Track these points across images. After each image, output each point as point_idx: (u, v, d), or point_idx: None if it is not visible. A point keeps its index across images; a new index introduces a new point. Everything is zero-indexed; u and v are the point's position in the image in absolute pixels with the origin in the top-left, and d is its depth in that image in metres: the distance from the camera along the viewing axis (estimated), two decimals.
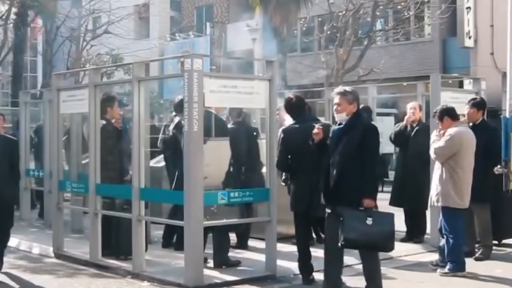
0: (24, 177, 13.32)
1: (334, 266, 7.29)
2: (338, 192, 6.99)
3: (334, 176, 7.00)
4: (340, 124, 7.16)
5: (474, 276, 8.54)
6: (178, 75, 10.07)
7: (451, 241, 8.44)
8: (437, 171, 8.57)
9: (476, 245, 9.49)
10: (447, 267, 8.51)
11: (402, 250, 9.67)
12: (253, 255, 9.35)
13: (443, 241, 8.64)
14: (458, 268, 8.47)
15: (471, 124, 9.27)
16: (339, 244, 6.88)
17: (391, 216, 7.03)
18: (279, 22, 26.57)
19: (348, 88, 7.40)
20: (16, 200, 8.77)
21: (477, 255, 9.36)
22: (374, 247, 7.11)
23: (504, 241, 10.45)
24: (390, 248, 7.16)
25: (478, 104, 9.40)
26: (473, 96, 10.78)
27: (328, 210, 7.19)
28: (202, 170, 7.59)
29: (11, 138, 8.70)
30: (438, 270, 8.60)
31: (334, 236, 7.01)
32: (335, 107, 7.20)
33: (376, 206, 6.98)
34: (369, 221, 6.79)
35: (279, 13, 26.38)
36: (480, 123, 9.36)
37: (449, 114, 8.54)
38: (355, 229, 6.77)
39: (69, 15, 28.36)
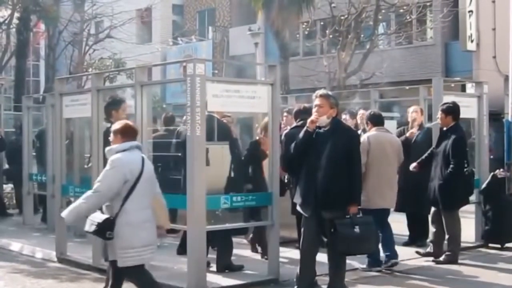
0: (27, 182, 13.37)
1: (309, 267, 7.42)
2: (325, 197, 7.03)
3: (322, 180, 7.04)
4: (319, 127, 7.19)
5: (477, 280, 8.55)
6: (180, 79, 10.09)
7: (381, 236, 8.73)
8: None
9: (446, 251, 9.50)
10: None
11: (405, 254, 9.67)
12: (256, 259, 9.36)
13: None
14: (392, 256, 8.86)
15: (444, 128, 9.43)
16: (338, 252, 7.18)
17: (371, 220, 7.38)
18: (281, 26, 26.53)
19: (330, 92, 7.64)
20: None
21: (440, 258, 9.38)
22: (360, 252, 7.65)
23: (507, 245, 10.44)
24: (372, 249, 7.80)
25: (445, 110, 9.42)
26: (475, 100, 10.82)
27: (305, 213, 7.26)
28: (205, 174, 7.60)
29: None
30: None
31: (313, 240, 7.28)
32: (315, 108, 7.24)
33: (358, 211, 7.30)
34: (357, 229, 7.08)
35: (281, 17, 26.33)
36: (449, 128, 9.38)
37: (372, 120, 9.13)
38: (347, 240, 7.05)
39: (72, 20, 28.32)
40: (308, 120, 7.26)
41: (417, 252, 9.74)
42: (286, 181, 8.79)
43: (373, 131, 8.90)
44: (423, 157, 9.74)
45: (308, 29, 27.92)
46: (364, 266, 8.81)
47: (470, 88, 11.72)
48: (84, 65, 29.51)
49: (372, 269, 8.76)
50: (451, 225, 9.37)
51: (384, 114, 11.61)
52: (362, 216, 7.25)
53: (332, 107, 7.26)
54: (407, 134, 10.52)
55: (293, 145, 7.34)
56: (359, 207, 8.38)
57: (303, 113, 8.39)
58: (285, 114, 10.01)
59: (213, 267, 8.61)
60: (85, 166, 10.61)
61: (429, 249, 9.68)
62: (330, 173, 7.06)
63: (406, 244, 10.40)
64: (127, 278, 6.45)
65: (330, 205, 7.08)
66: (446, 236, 9.41)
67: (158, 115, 14.86)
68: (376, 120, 9.12)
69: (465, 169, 9.40)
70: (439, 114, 9.46)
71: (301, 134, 7.24)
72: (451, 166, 9.12)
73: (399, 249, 10.00)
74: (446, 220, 9.40)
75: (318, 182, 7.07)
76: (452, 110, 9.40)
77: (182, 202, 7.71)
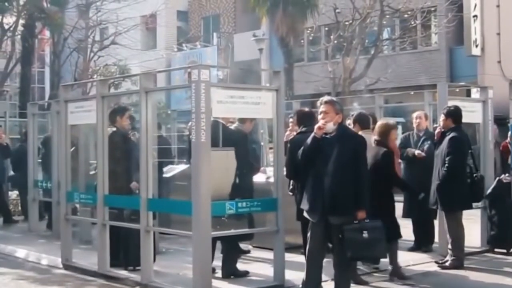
0: (32, 189, 13.40)
1: (315, 272, 7.42)
2: (332, 202, 7.03)
3: (329, 185, 7.04)
4: (325, 133, 7.19)
5: (483, 285, 8.53)
6: (185, 86, 10.11)
7: None
8: None
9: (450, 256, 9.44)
10: None
11: (410, 259, 9.65)
12: (261, 265, 9.35)
13: None
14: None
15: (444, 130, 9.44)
16: (348, 258, 7.13)
17: (380, 225, 7.29)
18: (286, 32, 26.58)
19: (335, 98, 7.66)
20: None
21: (446, 264, 9.34)
22: (368, 258, 7.71)
23: None
24: (382, 255, 7.70)
25: (446, 112, 9.42)
26: (480, 104, 10.80)
27: (313, 219, 7.25)
28: (210, 180, 7.60)
29: None
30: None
31: (319, 246, 7.29)
32: (321, 115, 7.25)
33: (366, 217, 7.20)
34: (365, 234, 7.05)
35: (285, 23, 26.40)
36: (447, 130, 9.36)
37: (359, 122, 8.94)
38: (356, 245, 7.02)
39: (77, 27, 28.41)
40: (316, 127, 7.26)
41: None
42: (291, 187, 8.77)
43: (361, 134, 8.76)
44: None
45: (312, 34, 27.96)
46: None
47: (475, 93, 11.71)
48: (89, 71, 29.57)
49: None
50: (454, 228, 9.33)
51: (389, 119, 11.56)
52: (371, 221, 7.19)
53: (338, 113, 7.26)
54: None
55: (300, 151, 7.34)
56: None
57: (307, 119, 8.37)
58: (290, 120, 10.00)
59: (219, 273, 8.60)
60: (91, 173, 10.62)
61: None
62: (337, 179, 7.04)
63: (412, 249, 10.36)
64: None
65: (338, 210, 7.06)
66: (450, 240, 9.38)
67: (163, 121, 14.89)
68: (364, 123, 8.95)
69: (474, 175, 9.39)
70: (441, 117, 9.48)
71: (308, 140, 7.24)
72: (445, 165, 9.12)
73: (405, 254, 10.01)
74: (448, 223, 9.37)
75: (325, 188, 7.06)
76: (452, 113, 9.39)
77: (187, 208, 7.72)
